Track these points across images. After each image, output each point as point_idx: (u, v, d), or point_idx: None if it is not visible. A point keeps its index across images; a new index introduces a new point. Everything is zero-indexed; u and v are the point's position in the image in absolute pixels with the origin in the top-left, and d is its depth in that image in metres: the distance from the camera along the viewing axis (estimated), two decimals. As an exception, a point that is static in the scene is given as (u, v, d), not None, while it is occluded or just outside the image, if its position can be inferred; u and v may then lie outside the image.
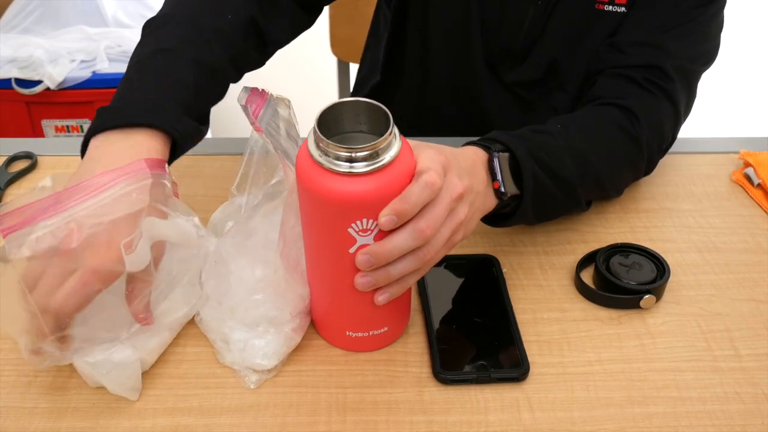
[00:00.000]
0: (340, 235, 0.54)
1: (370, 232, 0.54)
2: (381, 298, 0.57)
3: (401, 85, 1.00)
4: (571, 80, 0.89)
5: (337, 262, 0.56)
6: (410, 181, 0.54)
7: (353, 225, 0.53)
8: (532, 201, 0.66)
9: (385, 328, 0.62)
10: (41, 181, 0.57)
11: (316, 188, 0.52)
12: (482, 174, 0.62)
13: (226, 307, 0.61)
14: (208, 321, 0.62)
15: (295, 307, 0.62)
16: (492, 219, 0.68)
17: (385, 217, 0.52)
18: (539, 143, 0.68)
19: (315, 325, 0.65)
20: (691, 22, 0.80)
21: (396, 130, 0.53)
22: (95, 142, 0.60)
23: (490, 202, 0.64)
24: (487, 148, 0.65)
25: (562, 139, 0.70)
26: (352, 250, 0.54)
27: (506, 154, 0.64)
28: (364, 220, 0.53)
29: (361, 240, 0.54)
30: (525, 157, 0.65)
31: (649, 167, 0.81)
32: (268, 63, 0.80)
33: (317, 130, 0.52)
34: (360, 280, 0.55)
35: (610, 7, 0.83)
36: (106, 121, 0.61)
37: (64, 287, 0.54)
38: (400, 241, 0.54)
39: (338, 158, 0.51)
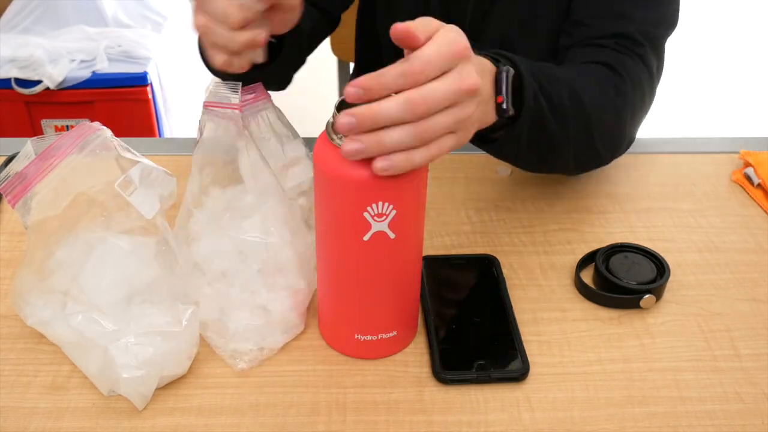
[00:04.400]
0: (355, 220, 0.54)
1: (385, 217, 0.54)
2: (381, 164, 0.51)
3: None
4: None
5: (350, 252, 0.56)
6: (427, 167, 0.53)
7: (369, 209, 0.53)
8: (528, 124, 0.63)
9: (394, 332, 0.62)
10: (22, 151, 0.58)
11: (333, 171, 0.53)
12: (489, 85, 0.59)
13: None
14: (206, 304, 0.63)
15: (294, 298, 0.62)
16: (479, 140, 0.65)
17: (352, 88, 0.49)
18: (541, 68, 0.66)
19: (322, 332, 0.64)
20: None
21: None
22: None
23: (490, 117, 0.60)
24: (495, 61, 0.62)
25: (560, 72, 0.69)
26: (366, 238, 0.54)
27: (513, 71, 0.61)
28: (380, 204, 0.53)
29: (375, 226, 0.54)
30: (528, 76, 0.63)
31: (631, 131, 0.78)
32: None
33: (336, 114, 0.52)
34: (347, 147, 0.50)
35: None
36: None
37: None
38: (387, 105, 0.49)
39: None
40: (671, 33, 0.82)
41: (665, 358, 0.64)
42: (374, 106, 0.50)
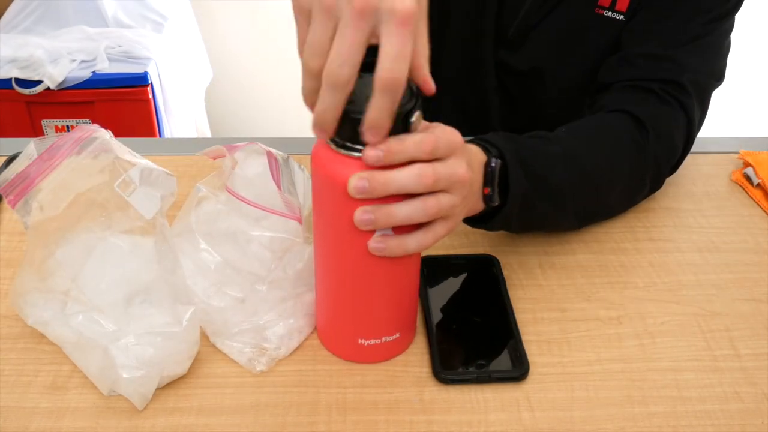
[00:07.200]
0: None
1: None
2: (375, 245, 0.54)
3: None
4: (555, 82, 0.89)
5: (353, 256, 0.56)
6: None
7: None
8: (517, 210, 0.65)
9: (397, 335, 0.62)
10: (25, 151, 0.59)
11: (334, 175, 0.52)
12: (479, 174, 0.62)
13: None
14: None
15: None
16: (471, 219, 0.67)
17: (374, 150, 0.50)
18: (533, 149, 0.67)
19: (323, 340, 0.64)
20: (705, 38, 0.80)
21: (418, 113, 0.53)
22: None
23: (478, 206, 0.63)
24: (486, 151, 0.64)
25: (559, 144, 0.70)
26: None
27: (500, 162, 0.63)
28: None
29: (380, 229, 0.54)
30: (515, 167, 0.64)
31: (656, 183, 0.79)
32: (267, 63, 0.80)
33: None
34: (359, 216, 0.52)
35: (610, 13, 0.83)
36: None
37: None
38: (401, 174, 0.51)
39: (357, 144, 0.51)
40: (719, 86, 0.83)
41: (665, 358, 0.64)
42: (388, 174, 0.51)
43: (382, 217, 0.53)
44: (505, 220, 0.66)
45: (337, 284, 0.59)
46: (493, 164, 0.62)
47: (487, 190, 0.63)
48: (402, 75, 0.47)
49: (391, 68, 0.47)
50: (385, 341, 0.61)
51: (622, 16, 0.83)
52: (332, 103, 0.49)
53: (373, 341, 0.61)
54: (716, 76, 0.82)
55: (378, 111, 0.48)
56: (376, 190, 0.51)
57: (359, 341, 0.61)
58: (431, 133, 0.53)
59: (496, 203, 0.64)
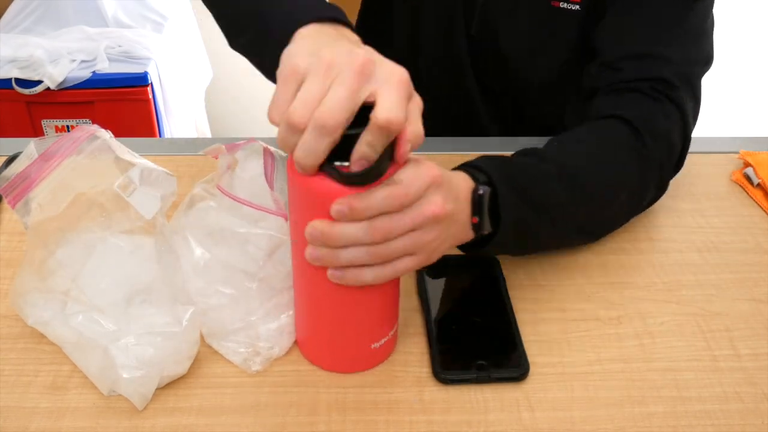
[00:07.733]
0: None
1: None
2: (332, 274, 0.54)
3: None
4: (532, 77, 0.89)
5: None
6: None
7: None
8: (512, 235, 0.63)
9: (383, 341, 0.61)
10: (25, 151, 0.59)
11: (310, 184, 0.51)
12: (466, 204, 0.59)
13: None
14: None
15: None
16: (466, 245, 0.64)
17: (338, 206, 0.50)
18: (525, 172, 0.65)
19: (304, 352, 0.63)
20: (683, 24, 0.77)
21: None
22: (305, 31, 0.56)
23: (467, 235, 0.61)
24: (474, 178, 0.61)
25: (553, 162, 0.67)
26: None
27: (489, 189, 0.60)
28: None
29: None
30: (506, 191, 0.62)
31: (661, 184, 0.76)
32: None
33: None
34: (309, 252, 0.53)
35: (565, 5, 0.82)
36: (301, 17, 0.57)
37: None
38: (350, 230, 0.52)
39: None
40: (708, 69, 0.79)
41: (665, 358, 0.64)
42: (337, 231, 0.51)
43: (328, 257, 0.53)
44: (500, 246, 0.64)
45: (315, 299, 0.58)
46: (480, 192, 0.60)
47: (476, 219, 0.60)
48: (398, 119, 0.48)
49: (390, 109, 0.48)
50: (374, 348, 0.60)
51: (577, 7, 0.81)
52: (316, 149, 0.49)
53: (356, 351, 0.60)
54: (702, 60, 0.79)
55: (368, 147, 0.49)
56: (326, 242, 0.52)
57: (342, 352, 0.60)
58: (400, 182, 0.52)
59: (486, 231, 0.61)
